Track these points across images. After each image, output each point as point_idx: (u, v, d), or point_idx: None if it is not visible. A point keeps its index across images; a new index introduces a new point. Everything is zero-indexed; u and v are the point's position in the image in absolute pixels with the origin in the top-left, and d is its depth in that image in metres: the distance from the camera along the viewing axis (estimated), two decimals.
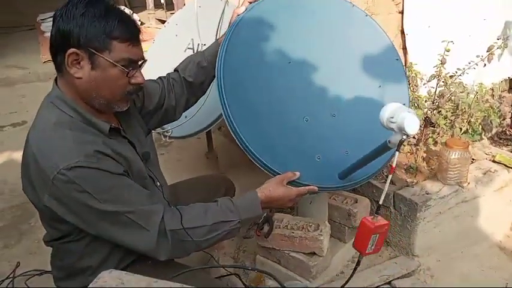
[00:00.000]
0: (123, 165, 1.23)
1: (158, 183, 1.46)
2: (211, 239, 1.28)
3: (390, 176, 1.21)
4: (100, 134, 1.24)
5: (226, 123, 1.44)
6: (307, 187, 1.43)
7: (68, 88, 1.23)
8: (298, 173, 1.43)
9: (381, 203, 1.23)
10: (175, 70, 1.65)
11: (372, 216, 1.25)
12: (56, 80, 1.27)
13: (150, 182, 1.39)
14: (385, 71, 1.72)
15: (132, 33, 1.21)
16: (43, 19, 6.09)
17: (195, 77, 1.60)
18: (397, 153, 1.18)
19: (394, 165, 1.20)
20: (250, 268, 1.49)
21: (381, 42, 1.75)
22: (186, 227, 1.24)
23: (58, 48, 1.19)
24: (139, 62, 1.27)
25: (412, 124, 1.12)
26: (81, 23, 1.15)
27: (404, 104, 1.26)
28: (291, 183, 1.42)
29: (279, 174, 1.42)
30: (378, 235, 1.26)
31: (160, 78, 1.63)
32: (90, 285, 0.72)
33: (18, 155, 3.15)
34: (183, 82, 1.61)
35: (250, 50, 1.54)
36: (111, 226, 1.19)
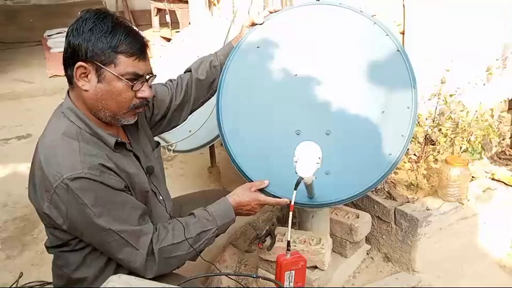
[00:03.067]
0: (124, 180, 1.28)
1: (161, 197, 1.48)
2: (194, 250, 1.35)
3: (291, 214, 1.27)
4: (105, 146, 1.28)
5: (220, 135, 1.60)
6: (278, 199, 1.48)
7: (78, 100, 1.28)
8: (266, 182, 1.50)
9: (289, 239, 1.29)
10: (188, 70, 1.71)
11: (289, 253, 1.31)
12: (68, 91, 1.32)
13: (152, 195, 1.43)
14: (394, 96, 1.58)
15: (138, 48, 1.26)
16: (50, 35, 6.17)
17: (206, 76, 1.68)
18: (294, 192, 1.26)
19: (292, 203, 1.28)
20: (254, 276, 1.52)
21: (395, 63, 1.60)
22: (171, 243, 1.31)
23: (69, 61, 1.24)
24: (147, 77, 1.31)
25: (304, 168, 1.22)
26: (89, 37, 1.21)
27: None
28: (264, 192, 1.50)
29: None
30: (293, 272, 1.30)
31: (170, 80, 1.68)
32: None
33: (22, 168, 3.19)
34: (193, 82, 1.67)
35: (257, 63, 1.66)
36: (104, 241, 1.25)
